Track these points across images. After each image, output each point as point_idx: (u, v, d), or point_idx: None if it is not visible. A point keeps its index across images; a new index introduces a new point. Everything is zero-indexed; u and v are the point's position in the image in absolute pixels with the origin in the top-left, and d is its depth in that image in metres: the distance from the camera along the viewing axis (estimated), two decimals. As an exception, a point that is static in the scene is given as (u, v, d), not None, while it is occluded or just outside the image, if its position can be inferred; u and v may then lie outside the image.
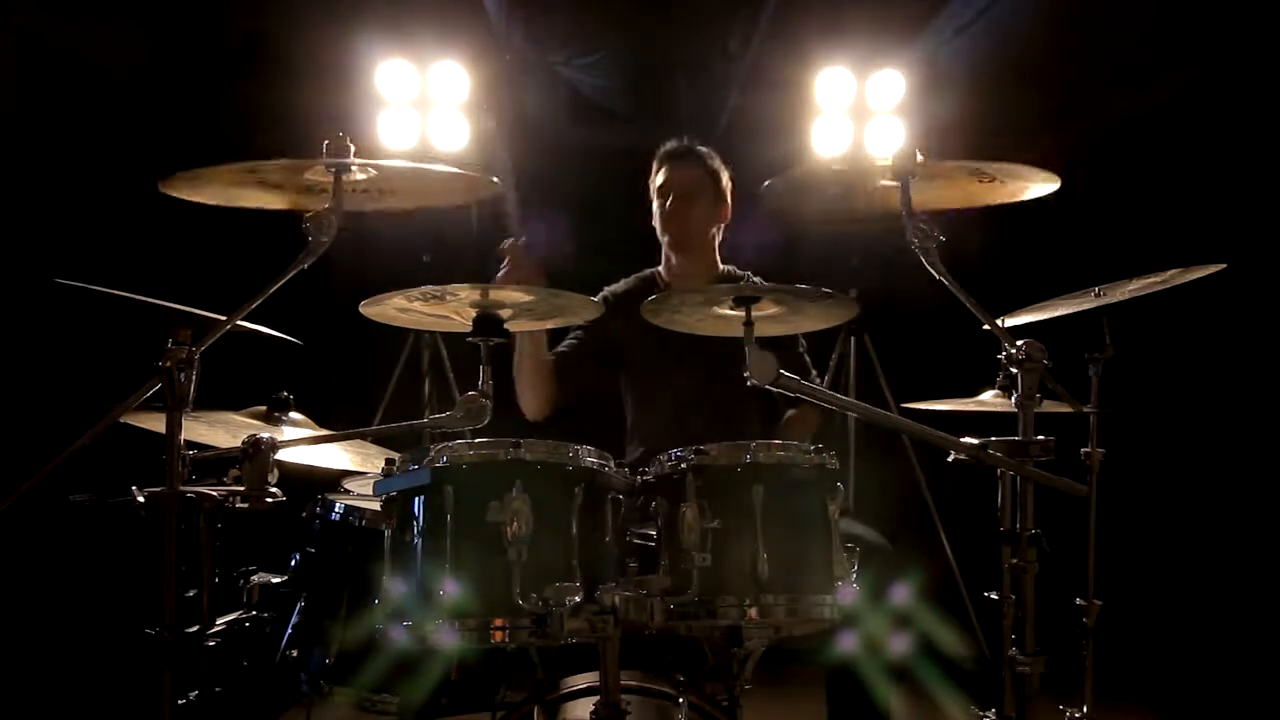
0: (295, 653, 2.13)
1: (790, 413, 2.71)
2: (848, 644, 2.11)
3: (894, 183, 1.87)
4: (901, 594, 2.19)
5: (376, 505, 1.82)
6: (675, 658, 2.02)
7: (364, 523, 2.16)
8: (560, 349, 2.73)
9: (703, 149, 2.79)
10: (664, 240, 2.78)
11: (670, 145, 2.80)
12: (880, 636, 2.15)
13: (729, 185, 2.79)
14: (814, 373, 2.81)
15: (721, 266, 2.82)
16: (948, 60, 4.29)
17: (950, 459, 1.88)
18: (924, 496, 3.98)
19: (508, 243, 2.54)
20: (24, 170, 3.28)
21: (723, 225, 2.80)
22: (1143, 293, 2.15)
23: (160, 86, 4.00)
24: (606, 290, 2.81)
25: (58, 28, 3.49)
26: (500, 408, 1.84)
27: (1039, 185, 1.88)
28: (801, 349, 2.76)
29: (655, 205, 2.77)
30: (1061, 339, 2.02)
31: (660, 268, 2.84)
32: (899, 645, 2.21)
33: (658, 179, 2.76)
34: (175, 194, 1.81)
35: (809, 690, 2.42)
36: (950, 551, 3.94)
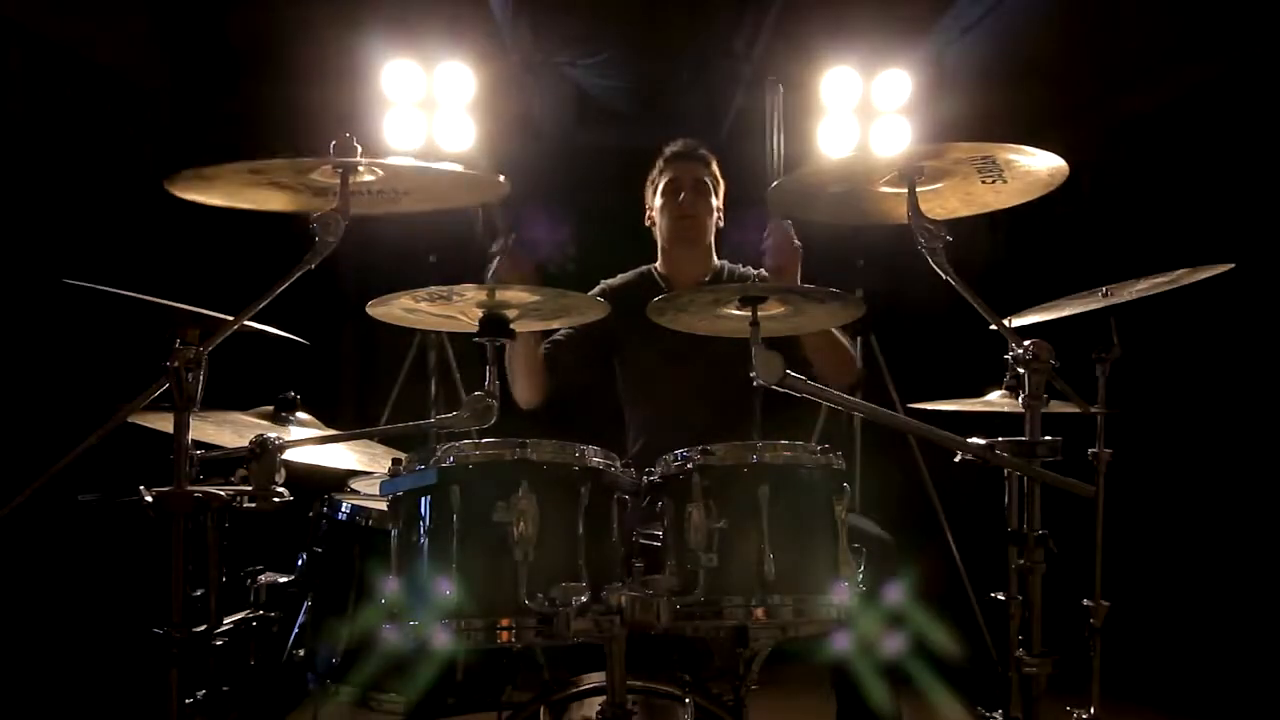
0: (302, 652, 2.13)
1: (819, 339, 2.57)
2: (853, 645, 2.11)
3: (899, 189, 1.87)
4: (905, 592, 2.19)
5: (383, 505, 1.82)
6: (681, 658, 2.02)
7: (370, 523, 2.16)
8: (550, 343, 2.74)
9: (703, 150, 2.85)
10: (670, 236, 2.79)
11: (676, 146, 2.85)
12: (886, 637, 2.15)
13: (722, 189, 2.86)
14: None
15: (716, 262, 2.83)
16: (954, 60, 4.28)
17: (957, 459, 1.88)
18: (930, 497, 3.98)
19: (499, 242, 2.57)
20: (31, 171, 3.29)
21: (718, 225, 2.84)
22: (1150, 292, 2.15)
23: (166, 86, 4.01)
24: (604, 284, 2.82)
25: (63, 26, 3.50)
26: (506, 407, 1.84)
27: (1046, 177, 1.86)
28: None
29: (661, 202, 2.79)
30: (1069, 339, 2.01)
31: (657, 264, 2.85)
32: (905, 646, 2.21)
33: (666, 176, 2.81)
34: (181, 194, 1.81)
35: (815, 690, 2.42)
36: (957, 552, 3.93)
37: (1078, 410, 1.95)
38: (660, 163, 2.85)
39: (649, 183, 2.86)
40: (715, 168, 2.84)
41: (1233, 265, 2.10)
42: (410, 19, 3.87)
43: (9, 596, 3.00)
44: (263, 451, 1.70)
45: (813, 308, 1.95)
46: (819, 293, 1.84)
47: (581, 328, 2.70)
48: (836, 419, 4.04)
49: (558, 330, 2.75)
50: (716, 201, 2.82)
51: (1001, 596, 1.96)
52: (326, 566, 2.19)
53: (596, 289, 2.79)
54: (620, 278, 2.86)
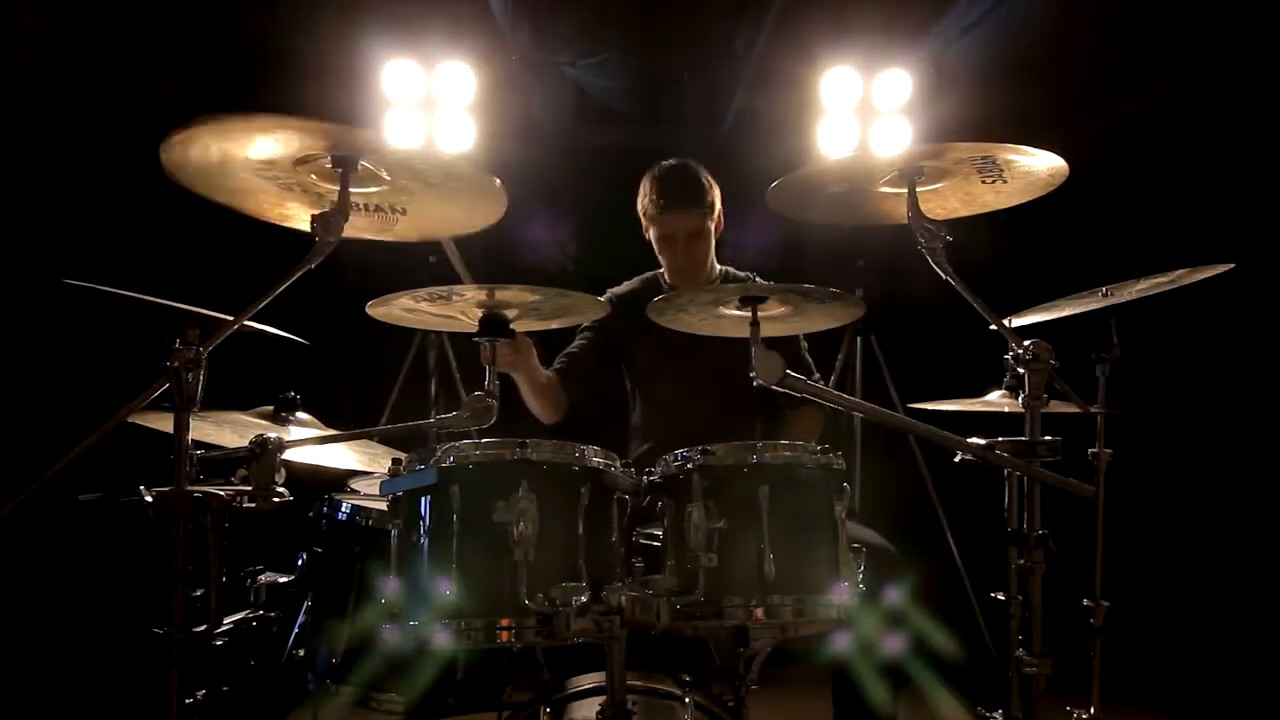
0: (302, 652, 2.13)
1: (793, 413, 2.71)
2: (853, 645, 2.11)
3: (899, 189, 1.87)
4: (905, 592, 2.19)
5: (383, 505, 1.82)
6: (681, 658, 2.02)
7: (370, 523, 2.16)
8: (564, 356, 2.74)
9: (692, 174, 2.69)
10: (670, 273, 2.77)
11: (664, 189, 2.66)
12: (885, 638, 2.15)
13: (719, 198, 2.75)
14: (816, 374, 2.81)
15: (719, 267, 2.83)
16: (954, 60, 4.28)
17: (957, 459, 1.88)
18: (930, 497, 3.98)
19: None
20: (32, 171, 3.29)
21: (718, 231, 2.80)
22: (1150, 293, 2.15)
23: (167, 87, 4.01)
24: (610, 292, 2.82)
25: (65, 28, 3.50)
26: (506, 407, 1.84)
27: (1046, 177, 1.87)
28: (803, 348, 2.77)
29: (657, 247, 2.73)
30: (1069, 339, 2.01)
31: (663, 269, 2.85)
32: (904, 646, 2.21)
33: (656, 228, 2.69)
34: (175, 156, 1.75)
35: (814, 691, 2.42)
36: (956, 552, 3.93)
37: (1078, 410, 1.95)
38: (649, 204, 2.67)
39: (640, 210, 2.73)
40: (709, 194, 2.68)
41: (1233, 265, 2.10)
42: (410, 19, 3.87)
43: (9, 596, 3.00)
44: (263, 451, 1.70)
45: (813, 308, 1.95)
46: (819, 293, 1.84)
47: (591, 338, 2.73)
48: (836, 419, 4.04)
49: (571, 341, 2.76)
50: (713, 223, 2.72)
51: (1001, 596, 1.97)
52: (326, 566, 2.19)
53: (604, 296, 2.78)
54: (626, 285, 2.86)
